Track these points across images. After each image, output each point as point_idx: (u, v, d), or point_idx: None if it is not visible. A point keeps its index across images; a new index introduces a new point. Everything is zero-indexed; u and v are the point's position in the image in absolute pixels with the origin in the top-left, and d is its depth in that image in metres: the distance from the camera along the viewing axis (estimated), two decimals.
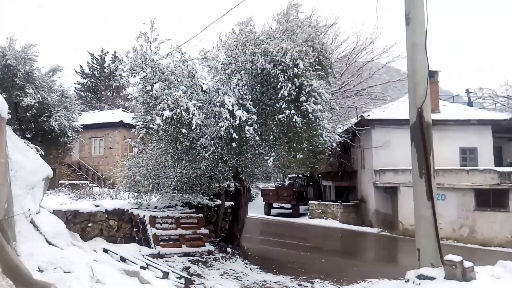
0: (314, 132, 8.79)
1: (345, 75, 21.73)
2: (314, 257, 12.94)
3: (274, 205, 26.23)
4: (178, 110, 7.97)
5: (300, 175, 29.61)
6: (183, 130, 8.18)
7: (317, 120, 8.44)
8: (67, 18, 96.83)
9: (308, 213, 24.00)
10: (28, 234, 6.60)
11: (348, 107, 23.13)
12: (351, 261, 12.85)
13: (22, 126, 17.10)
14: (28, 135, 16.76)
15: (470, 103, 28.12)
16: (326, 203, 23.71)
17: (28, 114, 16.41)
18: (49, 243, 6.68)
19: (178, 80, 8.82)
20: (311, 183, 29.33)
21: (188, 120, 8.11)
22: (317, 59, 9.28)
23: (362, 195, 23.40)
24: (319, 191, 28.86)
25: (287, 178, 32.50)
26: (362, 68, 22.79)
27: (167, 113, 7.85)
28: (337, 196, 25.39)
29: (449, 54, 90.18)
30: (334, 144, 10.29)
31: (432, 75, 19.51)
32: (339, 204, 22.80)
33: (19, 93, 16.17)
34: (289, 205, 25.66)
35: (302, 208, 25.84)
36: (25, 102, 16.01)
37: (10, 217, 6.06)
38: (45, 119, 17.06)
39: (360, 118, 21.35)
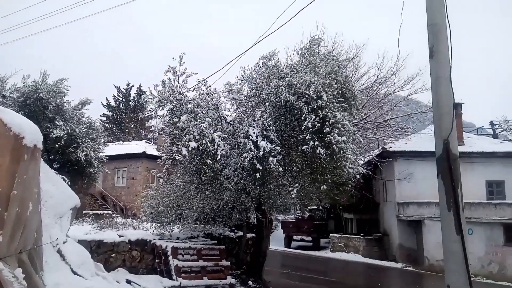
0: (338, 164, 8.79)
1: (366, 107, 21.78)
2: None
3: (295, 237, 25.80)
4: (204, 141, 8.14)
5: (320, 207, 29.21)
6: (208, 161, 8.31)
7: (341, 151, 8.46)
8: (99, 51, 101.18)
9: (330, 246, 23.50)
10: (54, 264, 6.70)
11: (370, 139, 23.02)
12: None
13: (50, 157, 17.59)
14: (56, 165, 17.20)
15: (495, 135, 27.64)
16: (348, 236, 23.21)
17: (56, 145, 16.90)
18: (75, 273, 6.75)
19: (204, 112, 9.06)
20: (332, 215, 28.85)
21: (213, 151, 8.26)
22: (340, 92, 9.40)
23: (384, 228, 22.85)
24: (340, 223, 28.32)
25: (307, 210, 32.07)
26: (383, 100, 22.84)
27: (193, 144, 8.02)
28: (359, 229, 24.85)
29: (472, 85, 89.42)
30: (357, 176, 10.20)
31: (456, 107, 19.30)
32: (361, 237, 22.28)
33: (49, 125, 16.75)
34: (309, 238, 25.21)
35: (323, 241, 25.33)
36: (54, 134, 16.53)
37: (39, 246, 6.19)
38: (72, 150, 17.53)
39: (382, 150, 21.20)
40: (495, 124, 29.74)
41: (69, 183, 9.43)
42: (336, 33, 31.39)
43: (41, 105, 16.54)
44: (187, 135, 8.06)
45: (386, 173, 22.29)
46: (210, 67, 11.03)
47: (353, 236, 22.98)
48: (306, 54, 10.23)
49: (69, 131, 17.14)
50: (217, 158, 8.29)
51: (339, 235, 23.49)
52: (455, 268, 6.18)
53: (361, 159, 20.41)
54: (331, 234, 24.04)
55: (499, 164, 20.07)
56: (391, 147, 20.98)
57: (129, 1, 12.06)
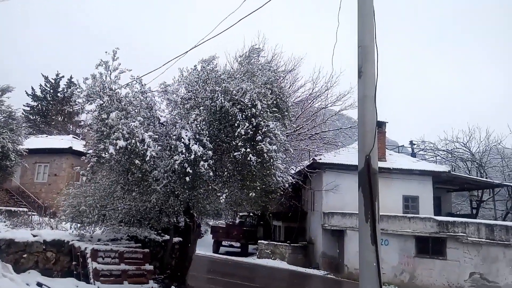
0: (268, 172, 8.97)
1: (300, 119, 22.55)
2: None
3: (224, 243, 25.78)
4: (133, 141, 7.88)
5: (251, 214, 29.54)
6: (137, 161, 8.07)
7: (271, 160, 8.65)
8: (30, 36, 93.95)
9: (257, 253, 23.81)
10: None
11: (301, 150, 23.81)
12: None
13: None
14: None
15: (413, 154, 29.93)
16: (275, 243, 23.69)
17: None
18: None
19: (136, 110, 8.77)
20: (262, 222, 29.29)
21: (142, 151, 8.03)
22: (274, 102, 9.63)
23: (310, 236, 23.65)
24: (269, 230, 28.82)
25: (238, 216, 32.27)
26: (316, 114, 23.80)
27: (121, 143, 7.73)
28: (287, 236, 25.47)
29: (397, 105, 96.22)
30: (287, 185, 10.49)
31: (380, 125, 20.70)
32: (287, 245, 22.85)
33: None
34: (238, 244, 25.33)
35: (251, 247, 25.58)
36: None
37: None
38: None
39: (312, 161, 21.99)
40: (414, 144, 32.25)
41: None
42: (276, 44, 32.34)
43: None
44: (116, 133, 7.76)
45: (315, 184, 23.14)
46: (147, 66, 10.74)
47: (280, 243, 23.49)
48: (245, 62, 10.36)
49: None
50: (146, 159, 8.07)
51: (267, 242, 23.90)
52: (368, 275, 6.56)
53: (292, 169, 21.01)
54: (259, 241, 24.37)
55: (415, 181, 21.79)
56: (321, 159, 21.85)
57: None
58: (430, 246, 17.36)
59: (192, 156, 8.22)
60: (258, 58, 10.82)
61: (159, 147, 8.66)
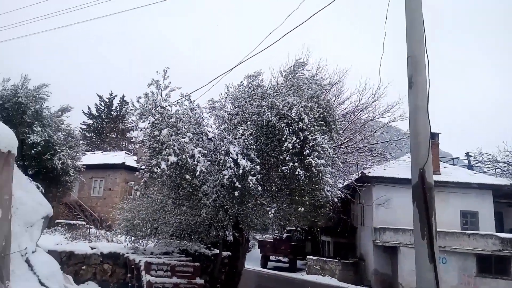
0: (317, 186, 8.85)
1: (347, 131, 22.10)
2: None
3: (271, 257, 25.59)
4: (184, 156, 8.10)
5: (298, 228, 29.16)
6: (187, 176, 8.26)
7: (320, 174, 8.53)
8: (84, 60, 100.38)
9: (306, 269, 23.38)
10: (22, 274, 6.50)
11: (349, 163, 23.26)
12: None
13: (25, 163, 17.19)
14: (30, 172, 16.80)
15: (470, 167, 28.28)
16: (325, 259, 23.15)
17: (32, 151, 16.55)
18: (42, 284, 6.56)
19: (185, 127, 9.04)
20: (309, 237, 28.80)
21: (192, 167, 8.22)
22: (321, 115, 9.55)
23: (361, 252, 22.91)
24: (317, 246, 28.26)
25: (285, 230, 31.97)
26: (364, 126, 23.22)
27: (173, 159, 7.97)
28: (336, 252, 24.84)
29: (450, 116, 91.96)
30: (335, 199, 10.28)
31: (433, 137, 19.82)
32: (337, 261, 22.26)
33: (26, 130, 16.43)
34: (286, 259, 25.03)
35: (299, 263, 25.17)
36: (31, 140, 16.21)
37: (6, 254, 5.99)
38: (49, 157, 17.19)
39: (361, 175, 21.43)
40: (471, 156, 30.49)
41: (43, 191, 9.20)
42: (320, 57, 32.11)
43: (19, 110, 16.24)
44: (167, 149, 8.02)
45: (364, 198, 22.49)
46: (195, 83, 11.08)
47: (330, 259, 22.94)
48: (290, 76, 10.40)
49: (47, 138, 16.83)
50: (196, 174, 8.25)
51: (316, 258, 23.42)
52: None
53: (340, 183, 20.58)
54: (307, 256, 23.94)
55: (473, 195, 20.49)
56: (370, 172, 21.24)
57: (122, 11, 12.09)
58: (493, 265, 16.21)
59: (241, 171, 8.29)
60: (303, 71, 10.82)
61: (208, 162, 8.83)
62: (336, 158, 10.95)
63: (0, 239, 5.27)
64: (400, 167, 20.87)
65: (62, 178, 18.27)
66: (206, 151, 9.09)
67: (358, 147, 22.90)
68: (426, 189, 6.48)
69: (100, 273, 10.10)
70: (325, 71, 23.00)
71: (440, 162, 22.49)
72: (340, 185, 20.05)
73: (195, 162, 8.22)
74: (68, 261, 9.73)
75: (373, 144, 23.59)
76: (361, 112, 23.34)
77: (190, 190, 8.86)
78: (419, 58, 6.13)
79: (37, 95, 16.92)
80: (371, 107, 23.13)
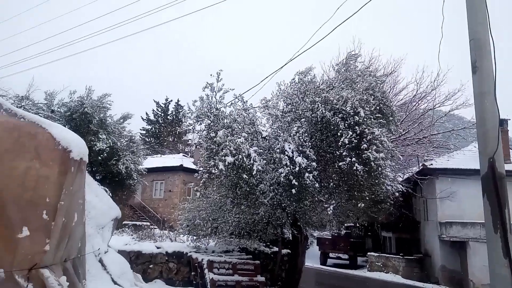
0: (376, 181, 8.60)
1: (405, 123, 21.22)
2: None
3: (331, 254, 25.29)
4: (240, 156, 8.22)
5: (357, 225, 28.53)
6: (244, 176, 8.37)
7: (379, 168, 8.28)
8: (142, 68, 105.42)
9: (367, 265, 22.81)
10: (96, 273, 6.93)
11: (409, 155, 22.33)
12: None
13: (93, 169, 18.32)
14: (98, 177, 17.89)
15: None
16: (387, 255, 22.45)
17: (99, 158, 17.60)
18: (115, 282, 6.95)
19: (240, 127, 9.18)
20: (369, 233, 28.07)
21: (249, 166, 8.32)
22: (377, 107, 9.26)
23: (426, 248, 21.93)
24: (378, 242, 27.47)
25: (344, 227, 31.41)
26: (423, 116, 22.17)
27: (230, 159, 8.12)
28: (398, 248, 24.00)
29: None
30: (396, 194, 9.93)
31: (502, 123, 18.49)
32: (401, 257, 21.48)
33: (92, 138, 17.51)
34: (346, 256, 24.61)
35: (360, 260, 24.64)
36: (97, 147, 17.25)
37: (83, 255, 6.43)
38: (114, 162, 18.20)
39: (422, 167, 20.51)
40: None
41: (110, 194, 9.78)
42: (373, 48, 31.27)
43: (86, 119, 17.34)
44: (224, 150, 8.18)
45: (426, 191, 21.50)
46: (247, 82, 11.19)
47: (392, 255, 22.20)
48: (343, 70, 10.19)
49: (111, 144, 17.83)
50: (253, 173, 8.34)
51: (377, 254, 22.77)
52: None
53: (400, 176, 19.83)
54: (368, 253, 23.35)
55: None
56: (432, 164, 20.25)
57: (175, 18, 12.53)
58: None
59: (297, 168, 8.26)
60: (356, 63, 10.55)
61: (264, 161, 8.89)
62: (395, 151, 10.57)
63: (77, 241, 5.65)
64: (466, 157, 19.73)
65: (126, 181, 19.26)
66: (261, 150, 9.16)
67: (417, 138, 21.92)
68: (497, 179, 6.06)
69: (166, 272, 10.53)
70: (379, 62, 22.28)
71: (510, 149, 20.93)
72: (400, 179, 19.31)
73: (251, 162, 8.31)
74: (136, 260, 10.25)
75: (434, 134, 22.45)
76: (419, 102, 22.32)
77: (248, 189, 8.97)
78: (483, 41, 5.76)
79: (101, 105, 17.97)
80: (430, 96, 22.04)
